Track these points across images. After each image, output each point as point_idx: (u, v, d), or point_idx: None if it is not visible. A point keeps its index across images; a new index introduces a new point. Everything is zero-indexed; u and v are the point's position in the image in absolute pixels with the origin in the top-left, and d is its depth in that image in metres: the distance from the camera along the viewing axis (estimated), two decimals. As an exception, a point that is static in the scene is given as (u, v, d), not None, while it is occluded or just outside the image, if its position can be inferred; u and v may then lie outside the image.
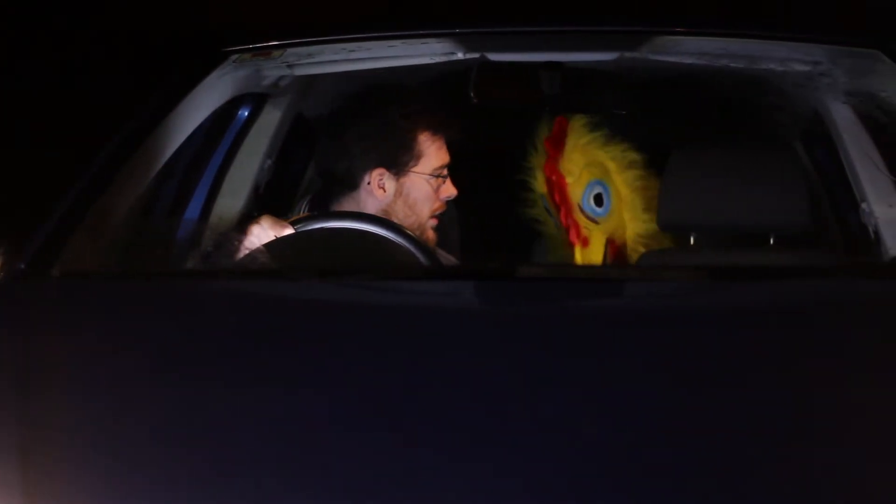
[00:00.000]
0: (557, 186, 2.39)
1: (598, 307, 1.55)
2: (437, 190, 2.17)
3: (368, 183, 2.15)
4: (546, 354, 1.33)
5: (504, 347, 1.36)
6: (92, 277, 1.71)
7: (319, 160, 2.30)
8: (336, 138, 2.19)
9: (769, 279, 1.63)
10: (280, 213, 2.25)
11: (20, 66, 3.73)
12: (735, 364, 1.32)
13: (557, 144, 2.43)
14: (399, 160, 2.14)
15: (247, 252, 1.89)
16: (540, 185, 2.45)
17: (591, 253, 2.34)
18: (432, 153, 2.16)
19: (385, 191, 2.15)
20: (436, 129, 2.16)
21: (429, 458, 1.14)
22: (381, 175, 2.15)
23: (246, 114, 2.39)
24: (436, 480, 1.11)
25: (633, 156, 2.46)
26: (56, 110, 3.38)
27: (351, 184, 2.17)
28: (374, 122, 2.15)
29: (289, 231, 1.92)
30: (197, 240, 2.15)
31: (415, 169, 2.15)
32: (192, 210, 2.34)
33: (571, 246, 2.34)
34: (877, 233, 2.24)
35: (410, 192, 2.15)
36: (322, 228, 1.95)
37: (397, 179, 2.15)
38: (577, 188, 2.41)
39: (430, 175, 2.16)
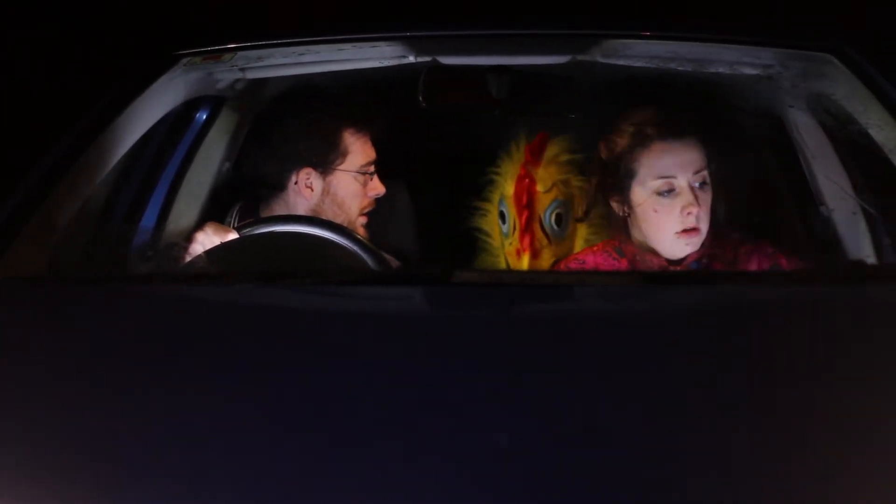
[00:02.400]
0: (528, 190, 2.39)
1: (532, 312, 1.54)
2: (364, 187, 2.18)
3: (296, 183, 2.16)
4: (474, 357, 1.33)
5: (434, 350, 1.35)
6: (31, 282, 1.70)
7: (246, 164, 2.31)
8: (262, 141, 2.19)
9: (702, 284, 1.63)
10: (238, 216, 2.26)
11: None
12: (666, 366, 1.31)
13: (536, 153, 2.43)
14: (325, 159, 2.15)
15: (190, 258, 1.90)
16: (507, 187, 2.45)
17: (537, 266, 2.33)
18: (358, 150, 2.17)
19: (313, 190, 2.15)
20: (360, 127, 2.17)
21: (360, 460, 1.13)
22: (308, 174, 2.15)
23: (203, 117, 2.38)
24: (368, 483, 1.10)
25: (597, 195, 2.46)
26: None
27: (279, 185, 2.17)
28: (299, 123, 2.16)
29: (233, 236, 1.92)
30: (150, 244, 2.15)
31: (341, 167, 2.15)
32: (150, 214, 2.33)
33: (519, 253, 2.32)
34: (836, 235, 2.23)
35: (338, 191, 2.16)
36: (269, 233, 1.95)
37: (324, 178, 2.16)
38: (545, 200, 2.40)
39: (356, 172, 2.16)
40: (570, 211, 2.41)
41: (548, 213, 2.38)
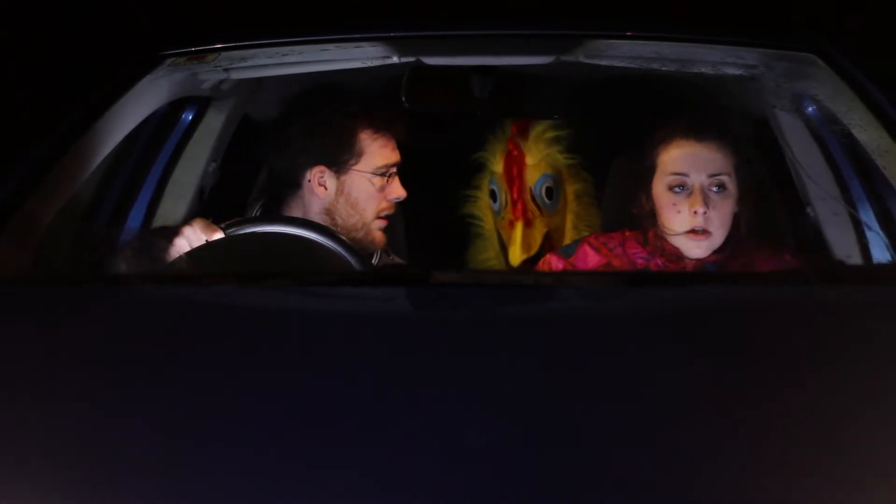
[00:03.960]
0: (517, 162, 2.42)
1: (510, 313, 1.53)
2: (381, 190, 2.13)
3: (309, 181, 2.13)
4: (451, 358, 1.32)
5: (411, 352, 1.35)
6: (13, 283, 1.70)
7: (265, 162, 2.29)
8: (278, 138, 2.17)
9: (686, 285, 1.63)
10: (226, 216, 2.25)
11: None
12: (641, 367, 1.30)
13: (524, 130, 2.46)
14: (339, 158, 2.11)
15: (175, 256, 1.89)
16: (496, 164, 2.48)
17: (531, 235, 2.35)
18: (375, 151, 2.12)
19: (326, 189, 2.12)
20: (378, 128, 2.12)
21: (342, 460, 1.13)
22: (321, 173, 2.12)
23: (189, 117, 2.39)
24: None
25: (585, 174, 2.48)
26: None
27: (294, 182, 2.15)
28: (313, 120, 2.13)
29: (219, 235, 1.92)
30: (135, 244, 2.14)
31: (356, 167, 2.11)
32: (135, 214, 2.33)
33: (511, 224, 2.34)
34: (822, 236, 2.23)
35: (352, 191, 2.12)
36: (253, 233, 1.94)
37: (338, 177, 2.12)
38: (534, 172, 2.44)
39: (371, 174, 2.12)
40: (559, 186, 2.44)
41: (538, 186, 2.41)
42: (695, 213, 1.99)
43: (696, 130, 2.04)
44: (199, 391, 1.27)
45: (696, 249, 2.02)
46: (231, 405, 1.23)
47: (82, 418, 1.23)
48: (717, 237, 2.02)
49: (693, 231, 2.01)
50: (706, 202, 2.00)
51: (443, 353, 1.33)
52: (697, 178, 2.01)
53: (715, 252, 2.03)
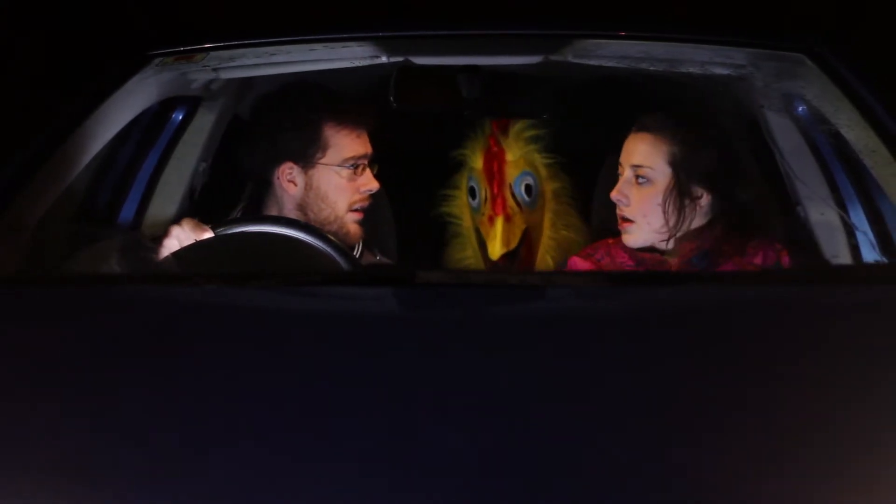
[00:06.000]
0: (497, 158, 2.43)
1: (501, 312, 1.53)
2: (351, 182, 2.13)
3: (278, 178, 2.14)
4: (438, 358, 1.32)
5: (405, 351, 1.35)
6: (8, 283, 1.70)
7: (234, 163, 2.30)
8: (248, 137, 2.17)
9: (671, 284, 1.63)
10: (215, 216, 2.26)
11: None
12: (639, 367, 1.30)
13: (504, 127, 2.47)
14: (305, 153, 2.11)
15: (164, 255, 1.89)
16: (475, 161, 2.49)
17: (510, 230, 2.36)
18: (341, 144, 2.12)
19: (296, 185, 2.13)
20: (342, 120, 2.12)
21: (333, 461, 1.13)
22: (290, 169, 2.13)
23: (179, 117, 2.39)
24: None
25: (563, 175, 2.50)
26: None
27: (266, 181, 2.15)
28: (277, 117, 2.13)
29: (209, 235, 1.92)
30: (125, 244, 2.14)
31: (322, 161, 2.11)
32: (125, 214, 2.34)
33: (491, 219, 2.34)
34: (811, 235, 2.24)
35: (321, 185, 2.12)
36: (243, 232, 1.94)
37: (306, 172, 2.12)
38: (514, 169, 2.46)
39: (339, 166, 2.11)
40: (538, 183, 2.45)
41: (517, 183, 2.43)
42: (616, 198, 2.04)
43: (639, 125, 2.07)
44: (194, 391, 1.27)
45: (625, 236, 2.06)
46: (227, 404, 1.23)
47: (80, 418, 1.23)
48: (643, 226, 2.03)
49: (621, 218, 2.06)
50: (623, 191, 2.04)
51: (438, 352, 1.33)
52: (625, 169, 2.06)
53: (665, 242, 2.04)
